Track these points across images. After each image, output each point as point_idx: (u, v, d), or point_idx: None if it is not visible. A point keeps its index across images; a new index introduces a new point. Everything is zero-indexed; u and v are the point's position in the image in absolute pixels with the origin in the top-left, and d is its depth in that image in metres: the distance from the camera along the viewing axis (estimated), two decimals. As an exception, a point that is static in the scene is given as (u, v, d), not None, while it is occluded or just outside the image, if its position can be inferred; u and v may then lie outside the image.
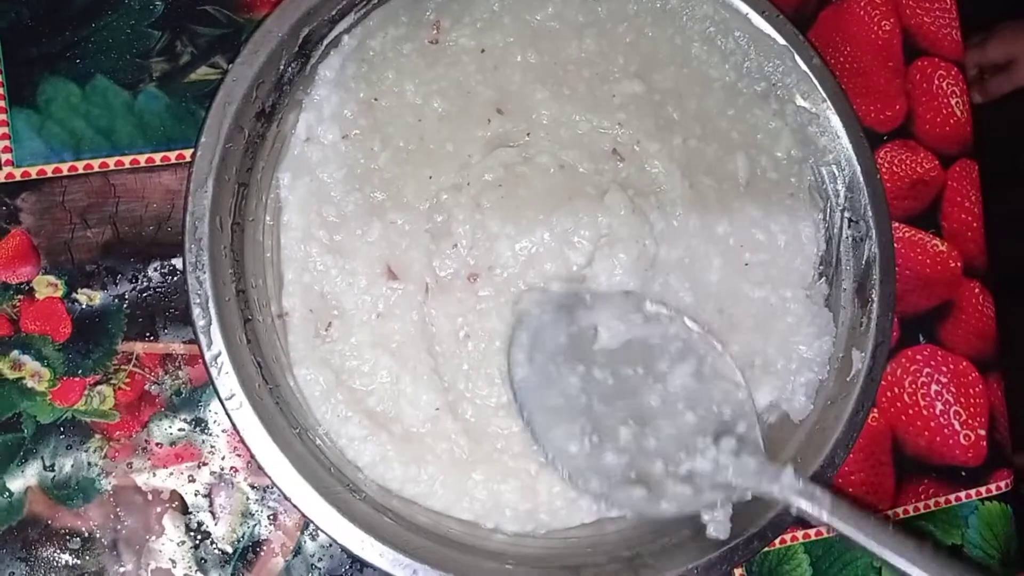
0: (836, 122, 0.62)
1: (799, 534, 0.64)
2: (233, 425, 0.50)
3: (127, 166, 0.56)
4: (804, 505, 0.50)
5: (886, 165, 0.70)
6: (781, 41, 0.62)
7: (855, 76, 0.70)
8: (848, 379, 0.60)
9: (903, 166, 0.70)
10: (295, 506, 0.50)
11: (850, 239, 0.62)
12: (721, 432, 0.53)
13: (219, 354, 0.51)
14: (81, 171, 0.56)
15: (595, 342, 0.54)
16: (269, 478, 0.50)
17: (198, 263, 0.52)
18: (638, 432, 0.52)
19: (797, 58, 0.62)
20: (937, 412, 0.68)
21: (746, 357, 0.58)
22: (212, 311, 0.51)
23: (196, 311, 0.51)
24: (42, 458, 0.54)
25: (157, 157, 0.57)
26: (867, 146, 0.62)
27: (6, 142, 0.55)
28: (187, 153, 0.57)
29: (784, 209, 0.61)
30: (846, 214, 0.62)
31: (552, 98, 0.58)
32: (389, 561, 0.51)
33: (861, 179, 0.62)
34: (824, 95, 0.62)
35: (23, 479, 0.53)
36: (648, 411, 0.53)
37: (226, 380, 0.51)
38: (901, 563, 0.48)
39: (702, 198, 0.59)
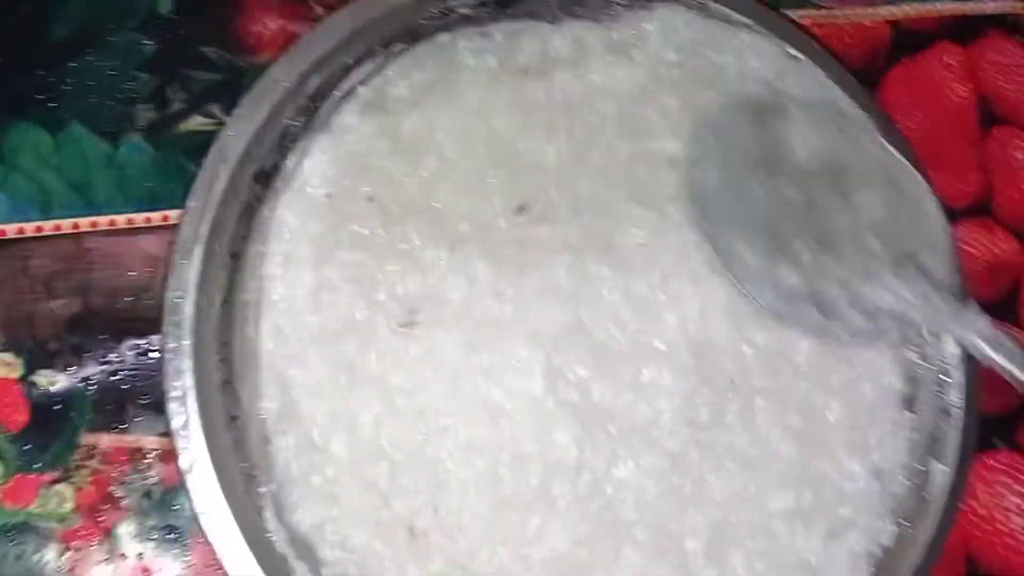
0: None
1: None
2: (215, 553, 0.42)
3: (103, 227, 0.49)
4: (994, 355, 0.46)
5: (960, 246, 0.62)
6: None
7: (927, 144, 0.62)
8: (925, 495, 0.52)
9: (979, 247, 0.63)
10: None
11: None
12: (907, 263, 0.49)
13: (195, 462, 0.43)
14: (49, 232, 0.49)
15: (789, 155, 0.51)
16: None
17: (178, 349, 0.44)
18: (819, 252, 0.49)
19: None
20: (1016, 527, 0.61)
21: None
22: (192, 408, 0.44)
23: (172, 406, 0.44)
24: (-14, 571, 0.46)
25: (139, 218, 0.50)
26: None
27: (-37, 196, 0.48)
28: (173, 215, 0.49)
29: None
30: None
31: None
32: None
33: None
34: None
35: (-40, 598, 0.46)
36: (833, 234, 0.50)
37: (204, 492, 0.43)
38: None
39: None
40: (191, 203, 0.45)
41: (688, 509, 0.48)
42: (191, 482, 0.43)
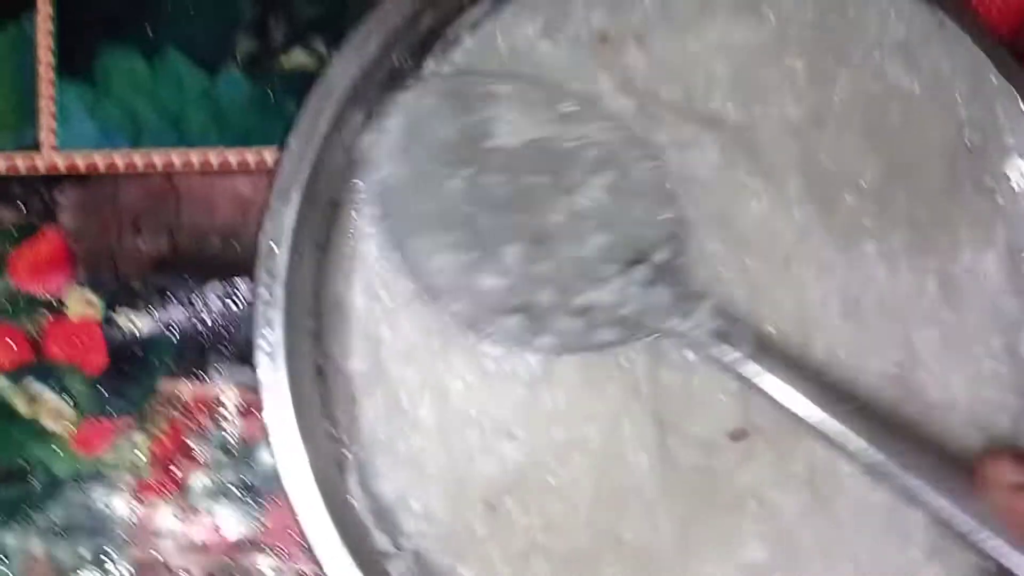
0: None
1: None
2: (293, 514, 0.40)
3: (195, 164, 0.46)
4: (719, 350, 0.42)
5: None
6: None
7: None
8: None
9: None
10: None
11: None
12: (636, 258, 0.44)
13: (280, 417, 0.41)
14: (139, 165, 0.46)
15: (494, 142, 0.44)
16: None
17: (270, 298, 0.41)
18: (529, 252, 0.43)
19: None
20: None
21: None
22: (280, 361, 0.41)
23: (260, 357, 0.41)
24: (52, 519, 0.44)
25: (233, 158, 0.46)
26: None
27: (51, 120, 0.45)
28: (269, 156, 0.46)
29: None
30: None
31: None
32: None
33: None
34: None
35: (25, 545, 0.43)
36: (547, 229, 0.44)
37: (286, 449, 0.41)
38: (852, 439, 0.41)
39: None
40: (291, 143, 0.42)
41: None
42: (274, 438, 0.41)
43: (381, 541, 0.43)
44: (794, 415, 0.42)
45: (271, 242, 0.41)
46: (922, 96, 0.50)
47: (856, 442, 0.41)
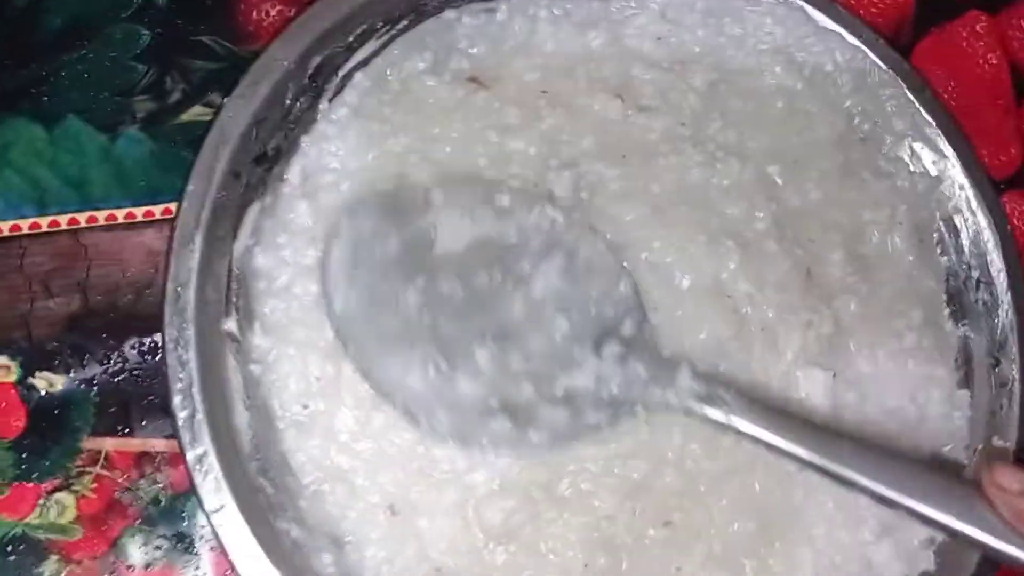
0: (956, 166, 0.52)
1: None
2: (221, 547, 0.39)
3: (101, 223, 0.47)
4: (709, 412, 0.42)
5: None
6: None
7: (963, 116, 0.59)
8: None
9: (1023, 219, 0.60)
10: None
11: (980, 304, 0.51)
12: (603, 337, 0.43)
13: (204, 454, 0.41)
14: (45, 228, 0.47)
15: (436, 247, 0.44)
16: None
17: (180, 339, 0.42)
18: (499, 350, 0.43)
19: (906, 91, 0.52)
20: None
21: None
22: (197, 399, 0.41)
23: (177, 399, 0.41)
24: (-18, 587, 0.43)
25: (138, 212, 0.47)
26: (993, 193, 0.52)
27: (-45, 193, 0.46)
28: (174, 207, 0.47)
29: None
30: (973, 273, 0.51)
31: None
32: None
33: (988, 234, 0.51)
34: (939, 132, 0.52)
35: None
36: (510, 324, 0.43)
37: (213, 487, 0.40)
38: (837, 468, 0.41)
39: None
40: (190, 187, 0.43)
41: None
42: (198, 477, 0.40)
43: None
44: (785, 452, 0.42)
45: (177, 285, 0.42)
46: (805, 92, 0.52)
47: (851, 475, 0.41)
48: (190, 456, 0.41)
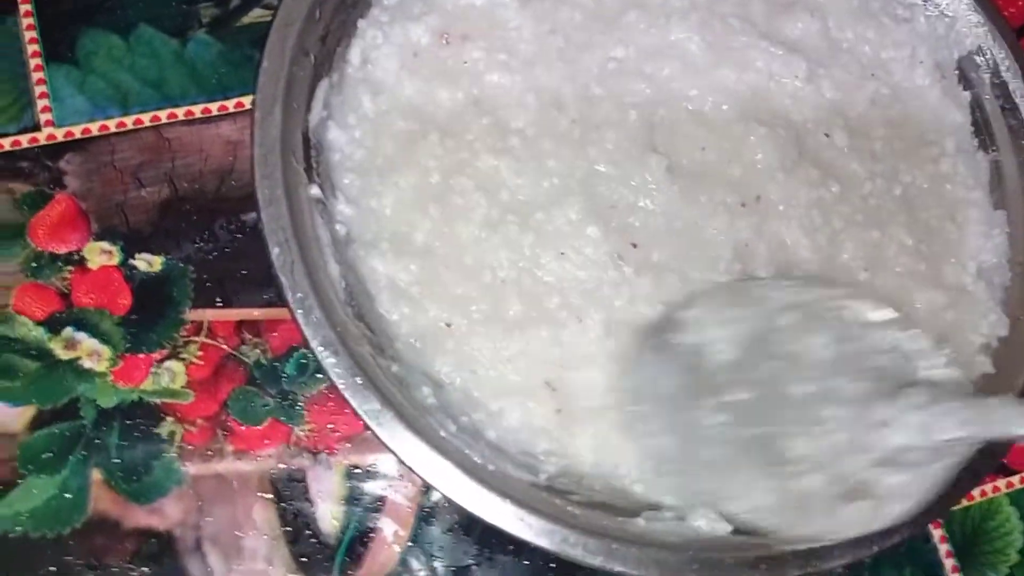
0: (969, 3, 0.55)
1: (1001, 483, 0.54)
2: (330, 381, 0.42)
3: (181, 118, 0.50)
4: None
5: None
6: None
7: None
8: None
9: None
10: (431, 486, 0.41)
11: (1007, 130, 0.54)
12: (901, 386, 0.40)
13: (306, 296, 0.43)
14: (131, 126, 0.50)
15: (711, 363, 0.43)
16: (392, 453, 0.41)
17: (272, 197, 0.44)
18: (811, 435, 0.41)
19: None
20: None
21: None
22: (293, 249, 0.44)
23: (275, 250, 0.44)
24: (106, 448, 0.46)
25: (213, 107, 0.51)
26: (1007, 27, 0.55)
27: (45, 101, 0.49)
28: (246, 101, 0.51)
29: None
30: (997, 102, 0.54)
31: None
32: (557, 541, 0.41)
33: (1008, 63, 0.54)
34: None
35: (85, 473, 0.45)
36: (808, 408, 0.41)
37: (315, 326, 0.43)
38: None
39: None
40: (265, 64, 0.46)
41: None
42: (302, 318, 0.43)
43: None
44: None
45: (264, 151, 0.45)
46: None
47: None
48: (292, 300, 0.43)
